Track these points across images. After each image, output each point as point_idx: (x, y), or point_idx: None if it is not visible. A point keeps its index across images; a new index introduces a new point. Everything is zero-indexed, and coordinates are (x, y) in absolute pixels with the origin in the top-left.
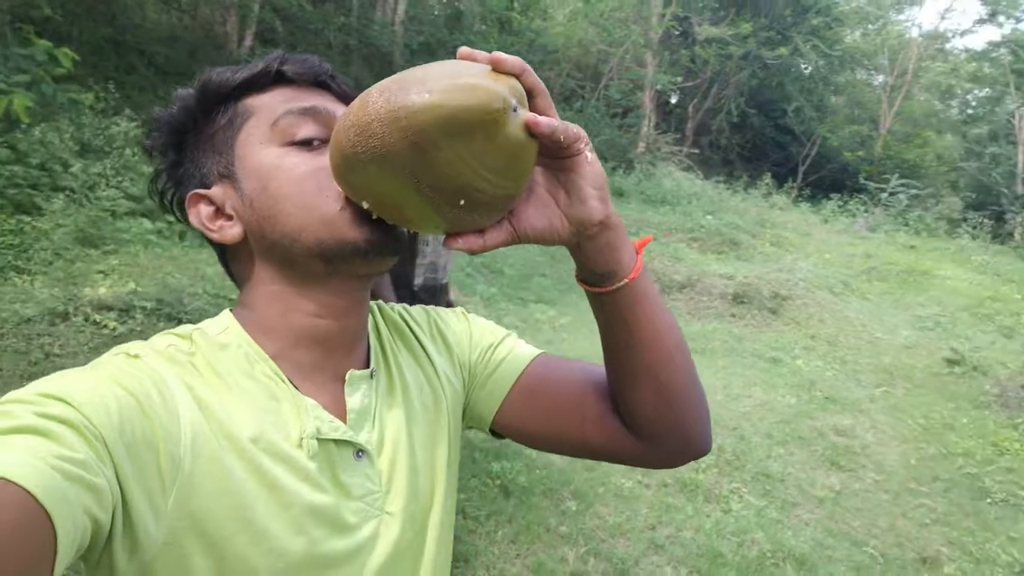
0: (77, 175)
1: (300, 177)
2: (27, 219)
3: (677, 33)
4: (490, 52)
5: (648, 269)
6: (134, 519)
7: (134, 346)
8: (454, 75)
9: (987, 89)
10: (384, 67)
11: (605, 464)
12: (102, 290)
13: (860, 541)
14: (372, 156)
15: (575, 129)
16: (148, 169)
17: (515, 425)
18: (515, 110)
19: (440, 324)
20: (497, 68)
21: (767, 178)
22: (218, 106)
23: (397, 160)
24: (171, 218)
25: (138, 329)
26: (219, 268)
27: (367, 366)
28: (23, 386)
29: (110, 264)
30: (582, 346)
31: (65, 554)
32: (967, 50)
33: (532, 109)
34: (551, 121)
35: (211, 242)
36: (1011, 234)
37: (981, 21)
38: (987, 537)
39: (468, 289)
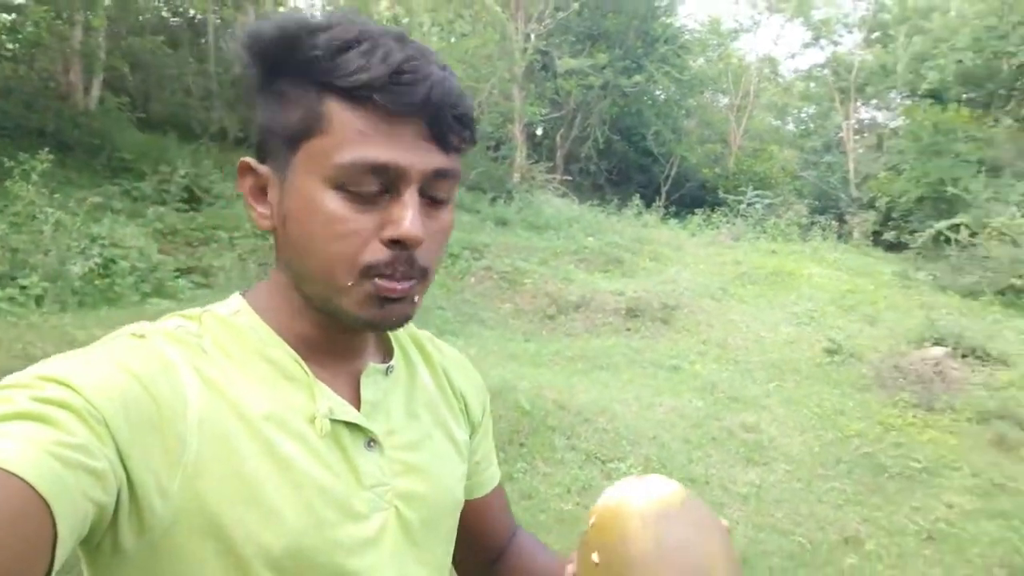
0: None
1: (334, 236)
2: None
3: (540, 67)
4: None
5: (543, 292)
6: (140, 500)
7: (140, 327)
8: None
9: (815, 106)
10: (249, 111)
11: (543, 490)
12: None
13: (787, 531)
14: None
15: None
16: None
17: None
18: None
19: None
20: None
21: (636, 199)
22: (298, 77)
23: None
24: (24, 283)
25: None
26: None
27: (384, 362)
28: None
29: None
30: (496, 374)
31: (66, 540)
32: (796, 71)
33: None
34: None
35: None
36: (851, 233)
37: (807, 45)
38: (893, 510)
39: None
